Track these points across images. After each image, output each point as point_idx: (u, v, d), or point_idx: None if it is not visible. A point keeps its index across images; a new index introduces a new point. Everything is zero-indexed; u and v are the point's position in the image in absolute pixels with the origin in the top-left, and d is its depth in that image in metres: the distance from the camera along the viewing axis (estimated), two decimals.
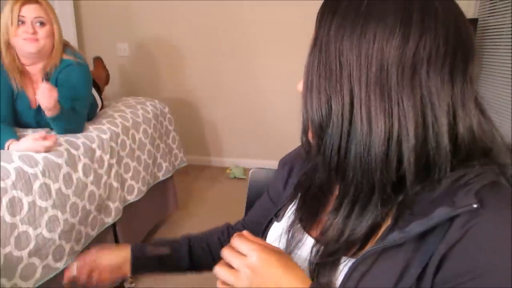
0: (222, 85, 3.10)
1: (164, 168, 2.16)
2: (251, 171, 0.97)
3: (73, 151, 1.46)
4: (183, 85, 3.18)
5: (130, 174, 1.81)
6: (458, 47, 0.44)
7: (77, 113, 1.55)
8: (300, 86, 0.52)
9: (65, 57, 1.54)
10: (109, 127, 1.70)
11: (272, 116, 3.03)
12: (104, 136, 1.63)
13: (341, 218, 0.50)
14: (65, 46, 1.59)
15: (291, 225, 0.59)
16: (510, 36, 2.13)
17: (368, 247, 0.47)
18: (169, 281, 1.81)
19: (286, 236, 0.58)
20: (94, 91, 1.85)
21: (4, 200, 1.17)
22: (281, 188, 0.70)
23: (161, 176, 2.14)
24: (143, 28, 3.10)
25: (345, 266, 0.48)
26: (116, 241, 1.73)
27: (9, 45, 1.44)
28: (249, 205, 0.92)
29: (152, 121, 2.07)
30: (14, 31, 1.41)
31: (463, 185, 0.43)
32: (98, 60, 2.46)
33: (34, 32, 1.42)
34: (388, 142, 0.43)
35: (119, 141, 1.73)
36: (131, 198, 1.84)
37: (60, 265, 1.32)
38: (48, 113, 1.41)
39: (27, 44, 1.43)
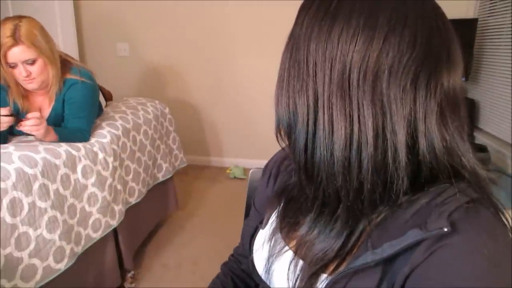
0: (221, 85, 3.10)
1: (164, 169, 2.16)
2: (251, 171, 0.97)
3: (73, 152, 1.46)
4: (183, 85, 3.18)
5: (130, 176, 1.81)
6: (427, 57, 0.41)
7: (81, 131, 1.56)
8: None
9: (70, 76, 1.54)
10: (110, 130, 1.70)
11: (273, 116, 3.02)
12: (104, 140, 1.63)
13: (310, 223, 0.49)
14: (70, 63, 1.58)
15: (273, 233, 0.57)
16: (510, 36, 2.13)
17: (345, 264, 0.46)
18: (169, 281, 1.82)
19: (269, 244, 0.57)
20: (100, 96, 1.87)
21: (5, 201, 1.17)
22: (265, 197, 0.68)
23: (160, 177, 2.14)
24: (143, 28, 3.10)
25: (322, 284, 0.47)
26: (117, 242, 1.73)
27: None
28: (249, 205, 0.92)
29: (152, 122, 2.07)
30: (12, 73, 1.43)
31: (439, 204, 0.41)
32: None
33: (28, 74, 1.42)
34: (349, 147, 0.42)
35: (120, 143, 1.73)
36: (133, 200, 1.84)
37: (61, 266, 1.32)
38: (46, 140, 1.45)
39: (26, 84, 1.46)
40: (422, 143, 0.42)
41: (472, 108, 2.50)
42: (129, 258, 1.78)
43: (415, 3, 0.43)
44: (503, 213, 0.43)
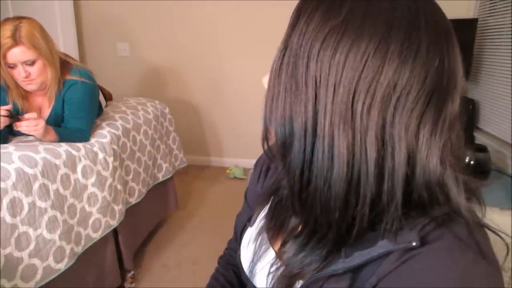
0: (222, 85, 3.10)
1: (164, 169, 2.16)
2: (250, 171, 0.97)
3: (73, 152, 1.46)
4: (183, 85, 3.18)
5: (130, 176, 1.81)
6: (436, 91, 0.38)
7: (81, 131, 1.56)
8: (264, 81, 0.47)
9: (70, 77, 1.54)
10: (110, 130, 1.70)
11: None
12: (104, 140, 1.63)
13: (298, 246, 0.48)
14: (70, 64, 1.58)
15: (259, 233, 0.57)
16: (510, 36, 2.13)
17: (316, 270, 0.46)
18: (169, 281, 1.82)
19: (254, 244, 0.56)
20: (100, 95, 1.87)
21: (5, 201, 1.17)
22: (256, 193, 0.68)
23: (160, 177, 2.14)
24: (143, 28, 3.10)
25: None
26: (117, 242, 1.73)
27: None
28: None
29: (152, 122, 2.07)
30: (11, 74, 1.43)
31: (412, 217, 0.40)
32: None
33: (27, 75, 1.42)
34: (349, 184, 0.39)
35: (120, 143, 1.73)
36: (133, 200, 1.84)
37: (61, 266, 1.32)
38: (46, 140, 1.44)
39: (25, 85, 1.46)
40: (420, 182, 0.40)
41: (472, 108, 2.50)
42: (129, 258, 1.78)
43: (427, 28, 0.39)
44: (483, 226, 0.42)
